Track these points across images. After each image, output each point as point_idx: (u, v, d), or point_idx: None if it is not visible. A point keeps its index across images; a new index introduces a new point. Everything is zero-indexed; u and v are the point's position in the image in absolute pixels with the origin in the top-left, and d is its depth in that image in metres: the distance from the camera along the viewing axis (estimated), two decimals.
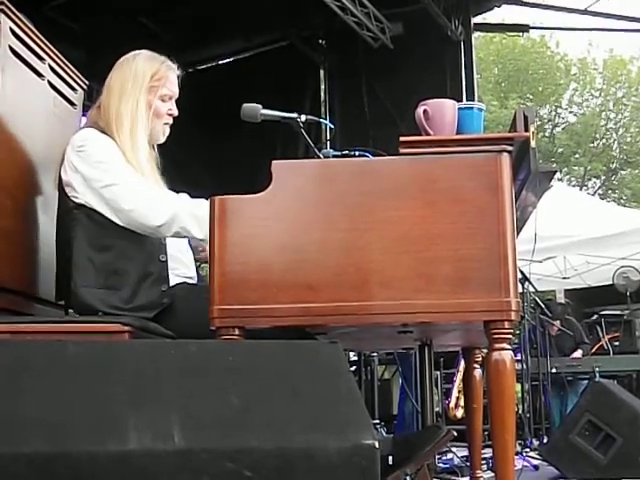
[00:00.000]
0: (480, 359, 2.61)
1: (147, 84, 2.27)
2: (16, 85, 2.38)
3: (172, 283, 2.21)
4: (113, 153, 2.16)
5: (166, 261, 2.21)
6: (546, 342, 6.23)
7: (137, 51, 2.34)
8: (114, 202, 2.11)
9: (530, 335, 5.93)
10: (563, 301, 8.92)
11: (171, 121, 2.36)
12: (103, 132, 2.20)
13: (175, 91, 2.35)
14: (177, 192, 2.24)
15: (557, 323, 7.14)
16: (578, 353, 7.21)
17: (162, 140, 2.37)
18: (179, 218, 2.08)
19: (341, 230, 1.83)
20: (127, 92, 2.24)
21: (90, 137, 2.19)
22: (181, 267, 2.28)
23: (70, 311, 2.23)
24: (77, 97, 2.84)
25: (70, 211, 2.18)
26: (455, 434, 2.02)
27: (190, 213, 2.08)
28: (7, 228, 2.32)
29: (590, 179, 22.06)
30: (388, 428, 5.56)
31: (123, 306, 2.10)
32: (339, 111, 8.08)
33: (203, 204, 2.05)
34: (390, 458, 1.90)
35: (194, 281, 2.35)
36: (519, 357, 5.47)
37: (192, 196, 2.25)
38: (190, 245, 2.40)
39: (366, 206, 1.84)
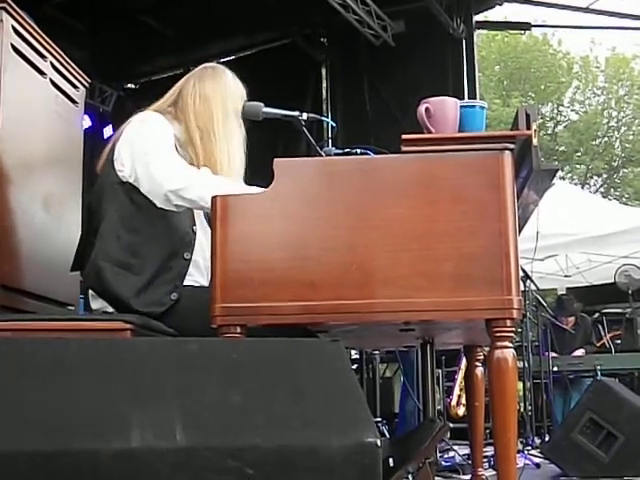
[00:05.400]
0: (482, 357, 2.60)
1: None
2: (18, 83, 2.38)
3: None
4: (166, 133, 2.23)
5: (189, 260, 2.21)
6: (547, 340, 6.22)
7: (222, 66, 2.45)
8: (146, 167, 2.15)
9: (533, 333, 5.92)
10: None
11: None
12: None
13: None
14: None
15: (572, 320, 7.15)
16: (579, 352, 7.19)
17: None
18: (197, 186, 2.09)
19: (343, 228, 1.83)
20: (228, 109, 2.32)
21: (154, 116, 2.27)
22: (197, 275, 2.26)
23: (90, 292, 2.23)
24: (79, 95, 2.84)
25: (113, 185, 2.21)
26: (451, 426, 2.01)
27: (212, 185, 2.08)
28: (8, 226, 2.33)
29: (592, 177, 22.02)
30: (390, 426, 5.56)
31: (134, 295, 2.10)
32: (341, 109, 8.07)
33: (233, 184, 2.13)
34: (391, 460, 1.90)
35: None
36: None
37: None
38: None
39: (368, 204, 1.84)
